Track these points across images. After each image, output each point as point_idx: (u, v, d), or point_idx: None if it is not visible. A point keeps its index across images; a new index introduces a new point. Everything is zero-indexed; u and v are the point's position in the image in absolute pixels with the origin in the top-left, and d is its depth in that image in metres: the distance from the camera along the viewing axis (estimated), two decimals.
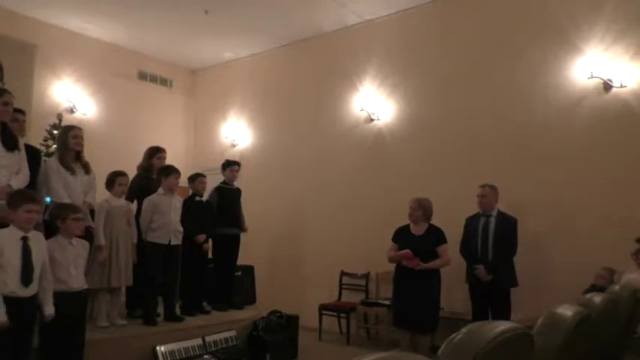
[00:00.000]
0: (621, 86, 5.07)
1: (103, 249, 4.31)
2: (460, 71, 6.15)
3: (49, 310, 3.30)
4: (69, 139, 4.26)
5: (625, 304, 2.99)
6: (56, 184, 4.09)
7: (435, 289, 4.69)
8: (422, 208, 4.81)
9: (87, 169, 4.36)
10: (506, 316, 4.60)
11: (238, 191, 6.01)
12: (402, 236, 4.86)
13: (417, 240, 4.74)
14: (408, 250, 4.64)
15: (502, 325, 1.39)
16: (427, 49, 6.49)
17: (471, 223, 5.05)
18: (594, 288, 4.19)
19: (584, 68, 5.26)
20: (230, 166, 5.96)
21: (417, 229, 4.82)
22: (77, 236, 3.72)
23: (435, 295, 4.70)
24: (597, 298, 2.47)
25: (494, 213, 4.95)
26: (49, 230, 3.71)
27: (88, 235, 4.22)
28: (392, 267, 6.03)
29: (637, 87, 5.01)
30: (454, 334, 1.34)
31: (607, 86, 5.14)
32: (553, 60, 5.49)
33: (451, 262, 4.77)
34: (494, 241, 4.84)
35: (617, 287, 3.28)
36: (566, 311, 1.96)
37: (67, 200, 4.01)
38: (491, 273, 4.74)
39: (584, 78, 5.24)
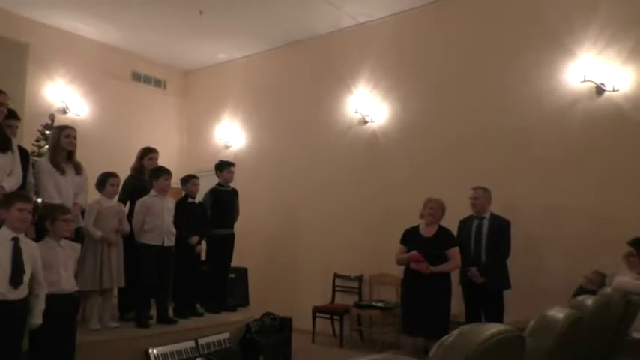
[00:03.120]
0: (613, 90, 5.10)
1: (100, 236, 4.30)
2: (454, 74, 6.17)
3: (36, 319, 3.19)
4: (61, 139, 4.24)
5: (616, 306, 3.01)
6: (47, 184, 4.07)
7: (446, 293, 4.59)
8: (441, 210, 4.75)
9: (78, 169, 4.33)
10: (499, 318, 4.61)
11: (234, 192, 5.98)
12: (410, 238, 4.75)
13: (427, 242, 4.64)
14: (415, 252, 4.53)
15: (493, 327, 1.39)
16: (421, 52, 6.51)
17: (464, 225, 5.06)
18: (582, 290, 4.20)
19: (576, 72, 5.29)
20: (227, 167, 5.87)
21: (427, 231, 4.72)
22: (67, 238, 3.69)
23: (446, 300, 4.59)
24: (589, 301, 2.49)
25: (488, 215, 4.97)
26: (39, 231, 3.68)
27: (79, 236, 4.20)
28: (386, 269, 6.06)
29: (629, 91, 5.05)
30: (446, 336, 1.34)
31: (599, 90, 5.18)
32: (547, 64, 5.52)
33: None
34: (487, 244, 4.85)
35: (608, 289, 3.31)
36: (558, 313, 1.96)
37: (57, 201, 3.99)
38: (484, 275, 4.76)
39: (576, 82, 5.27)
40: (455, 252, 4.64)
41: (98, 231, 4.32)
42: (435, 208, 4.73)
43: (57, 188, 4.10)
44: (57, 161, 4.18)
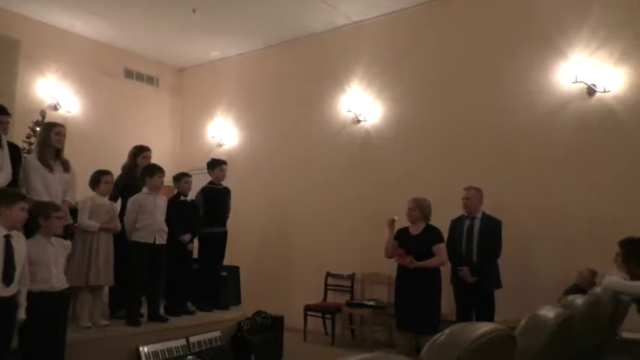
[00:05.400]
0: (605, 91, 5.14)
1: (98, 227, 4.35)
2: (447, 74, 6.18)
3: (22, 314, 3.22)
4: (52, 136, 4.21)
5: (606, 305, 3.03)
6: (36, 181, 4.04)
7: (434, 289, 4.68)
8: (419, 208, 4.82)
9: (66, 167, 4.30)
10: (490, 318, 4.62)
11: (227, 191, 5.96)
12: (401, 236, 4.88)
13: (414, 239, 4.76)
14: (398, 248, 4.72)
15: (485, 327, 1.39)
16: (414, 52, 6.52)
17: (455, 225, 5.07)
18: (577, 287, 4.23)
19: (568, 73, 5.32)
20: (219, 165, 5.86)
21: (415, 229, 4.84)
22: (56, 235, 3.67)
23: (436, 296, 4.67)
24: (579, 300, 2.50)
25: (479, 215, 4.98)
26: (27, 229, 3.65)
27: (68, 233, 4.16)
28: (378, 268, 6.09)
29: (620, 92, 5.08)
30: (437, 335, 1.35)
31: (591, 91, 5.21)
32: (539, 65, 5.54)
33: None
34: (478, 243, 4.86)
35: (598, 289, 3.33)
36: (549, 313, 1.98)
37: (46, 198, 3.96)
38: (475, 275, 4.77)
39: (568, 83, 5.30)
40: (439, 248, 4.71)
41: (94, 222, 4.31)
42: (410, 208, 4.83)
43: (45, 185, 4.07)
44: (45, 158, 4.14)
